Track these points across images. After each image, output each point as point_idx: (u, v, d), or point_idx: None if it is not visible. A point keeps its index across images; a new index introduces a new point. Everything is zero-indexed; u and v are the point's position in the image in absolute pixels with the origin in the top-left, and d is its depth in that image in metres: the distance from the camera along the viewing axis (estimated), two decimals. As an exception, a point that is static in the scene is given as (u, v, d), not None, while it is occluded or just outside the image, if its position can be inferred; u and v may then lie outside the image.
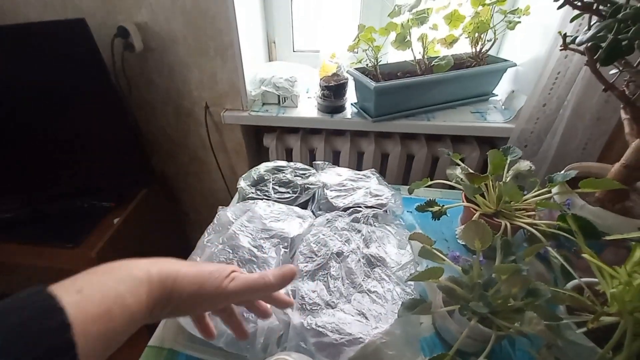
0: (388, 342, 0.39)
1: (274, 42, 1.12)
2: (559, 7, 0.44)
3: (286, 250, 0.52)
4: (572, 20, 0.49)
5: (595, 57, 0.41)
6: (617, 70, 0.47)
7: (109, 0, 0.87)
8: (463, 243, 0.65)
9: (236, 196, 0.70)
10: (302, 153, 1.04)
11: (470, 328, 0.41)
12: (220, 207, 0.60)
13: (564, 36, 0.49)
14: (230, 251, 0.50)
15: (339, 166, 1.05)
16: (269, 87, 0.92)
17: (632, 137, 0.49)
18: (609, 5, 0.41)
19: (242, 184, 0.66)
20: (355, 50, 0.87)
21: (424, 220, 0.68)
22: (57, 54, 0.80)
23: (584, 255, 0.39)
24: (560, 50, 0.50)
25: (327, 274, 0.48)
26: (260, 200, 0.61)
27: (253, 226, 0.55)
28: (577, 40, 0.44)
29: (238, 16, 0.84)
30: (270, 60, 1.14)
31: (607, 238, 0.40)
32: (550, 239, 0.52)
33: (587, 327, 0.37)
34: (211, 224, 0.57)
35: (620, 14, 0.37)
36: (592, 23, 0.44)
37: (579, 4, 0.43)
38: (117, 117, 0.93)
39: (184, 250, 0.51)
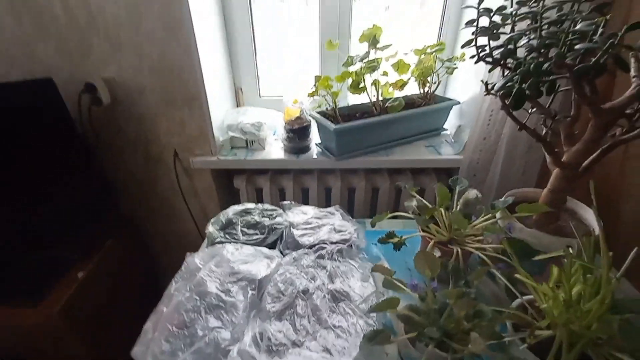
0: (352, 376, 0.40)
1: (241, 89, 1.18)
2: (475, 62, 0.53)
3: (254, 292, 0.53)
4: (489, 72, 0.57)
5: (507, 103, 0.49)
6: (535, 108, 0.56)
7: (76, 58, 0.91)
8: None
9: (205, 241, 0.71)
10: (272, 193, 1.07)
11: (428, 353, 0.43)
12: (188, 253, 0.61)
13: (486, 84, 0.58)
14: (198, 298, 0.51)
15: (309, 203, 1.10)
16: (236, 132, 0.97)
17: (552, 165, 0.57)
18: (513, 60, 0.50)
19: (211, 228, 0.68)
20: (316, 96, 0.95)
21: (389, 251, 0.72)
22: (24, 110, 0.82)
23: (516, 275, 0.43)
24: (485, 95, 0.58)
25: (293, 312, 0.50)
26: (228, 244, 0.63)
27: (221, 270, 0.56)
28: (495, 88, 0.52)
29: (204, 68, 0.90)
30: (238, 106, 1.20)
31: (535, 258, 0.45)
32: (497, 261, 0.57)
33: (526, 342, 0.41)
34: (179, 271, 0.58)
35: (519, 70, 0.45)
36: (505, 74, 0.53)
37: (490, 60, 0.51)
38: (83, 166, 0.93)
39: (155, 298, 0.51)
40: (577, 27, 0.40)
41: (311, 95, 0.92)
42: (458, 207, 0.68)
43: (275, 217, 0.72)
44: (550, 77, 0.41)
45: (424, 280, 0.67)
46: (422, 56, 0.98)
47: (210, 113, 0.95)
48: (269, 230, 0.69)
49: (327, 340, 0.45)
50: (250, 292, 0.53)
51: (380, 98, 1.00)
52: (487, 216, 0.63)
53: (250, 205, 0.75)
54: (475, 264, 0.68)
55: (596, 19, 0.42)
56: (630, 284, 0.65)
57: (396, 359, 0.51)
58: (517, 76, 0.46)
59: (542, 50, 0.42)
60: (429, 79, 1.02)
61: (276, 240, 0.69)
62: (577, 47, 0.38)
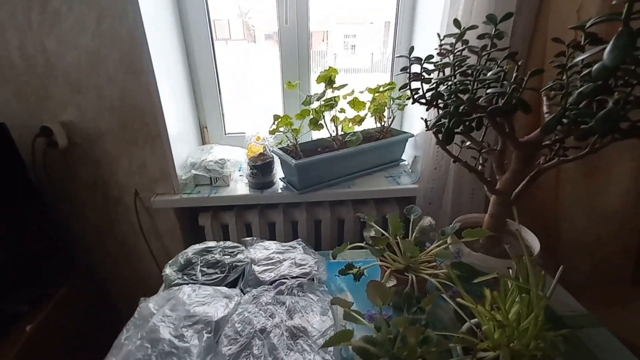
0: (305, 416, 0.40)
1: (206, 128, 1.21)
2: (412, 103, 0.59)
3: (210, 335, 0.52)
4: (427, 110, 0.63)
5: (440, 139, 0.54)
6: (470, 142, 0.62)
7: (33, 102, 0.90)
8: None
9: (162, 285, 0.69)
10: (237, 228, 1.06)
11: (382, 385, 0.44)
12: (142, 298, 0.59)
13: (425, 121, 0.64)
14: (149, 346, 0.49)
15: (275, 237, 1.10)
16: (200, 170, 0.97)
17: (489, 192, 0.62)
18: (442, 101, 0.56)
19: (168, 270, 0.66)
20: (278, 132, 0.99)
21: (352, 283, 0.73)
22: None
23: (458, 299, 0.46)
24: (426, 131, 0.64)
25: (250, 354, 0.49)
26: (185, 286, 0.61)
27: (176, 314, 0.54)
28: (429, 126, 0.58)
29: (165, 108, 0.92)
30: (203, 143, 1.22)
31: (475, 281, 0.48)
32: (451, 287, 0.59)
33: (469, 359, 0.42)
34: (131, 318, 0.56)
35: (445, 111, 0.50)
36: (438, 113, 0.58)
37: (424, 101, 0.57)
38: (34, 213, 0.89)
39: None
40: (488, 74, 0.46)
41: (272, 132, 0.95)
42: (414, 235, 0.71)
43: (236, 255, 0.72)
44: (471, 117, 0.47)
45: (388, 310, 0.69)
46: (376, 94, 1.05)
47: (172, 152, 0.95)
48: (230, 268, 0.68)
49: (282, 380, 0.45)
50: (205, 335, 0.52)
51: (341, 133, 1.06)
52: (439, 242, 0.67)
53: (211, 244, 0.74)
54: (432, 290, 0.71)
55: (505, 67, 0.48)
56: (577, 301, 0.69)
57: (357, 395, 0.51)
58: (446, 116, 0.52)
59: (459, 95, 0.48)
60: (384, 114, 1.10)
61: (237, 278, 0.68)
62: (488, 91, 0.44)
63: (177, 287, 0.61)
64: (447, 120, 0.51)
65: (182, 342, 0.50)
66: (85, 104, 0.92)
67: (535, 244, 0.63)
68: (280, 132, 0.98)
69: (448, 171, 0.89)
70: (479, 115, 0.47)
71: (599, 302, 0.79)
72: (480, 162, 0.60)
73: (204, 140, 1.22)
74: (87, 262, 1.14)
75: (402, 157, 1.16)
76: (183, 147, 1.05)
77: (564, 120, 0.43)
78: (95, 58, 0.87)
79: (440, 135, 0.52)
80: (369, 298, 0.49)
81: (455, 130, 0.51)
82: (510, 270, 0.52)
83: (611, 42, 0.38)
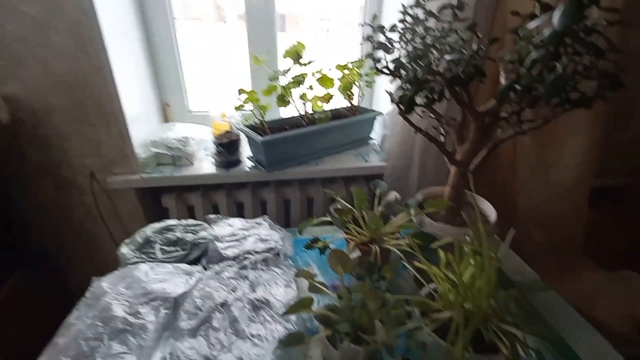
0: (264, 383, 0.40)
1: (168, 105, 1.15)
2: (375, 74, 0.58)
3: (168, 311, 0.50)
4: (391, 82, 0.63)
5: (402, 109, 0.54)
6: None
7: (-34, 73, 0.81)
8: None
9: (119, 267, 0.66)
10: (204, 209, 1.03)
11: (341, 349, 0.44)
12: (94, 277, 0.56)
13: (390, 93, 0.63)
14: (101, 324, 0.46)
15: (244, 217, 1.08)
16: (161, 148, 0.93)
17: (450, 164, 0.63)
18: (405, 71, 0.56)
19: (124, 249, 0.63)
20: (244, 110, 0.95)
21: (319, 258, 0.73)
22: None
23: (416, 263, 0.47)
24: (391, 104, 0.64)
25: (209, 327, 0.48)
26: (142, 264, 0.59)
27: (132, 292, 0.52)
28: (393, 96, 0.58)
29: (120, 84, 0.86)
30: (166, 122, 1.16)
31: (432, 246, 0.49)
32: (413, 256, 0.61)
33: (426, 324, 0.44)
34: (82, 298, 0.52)
35: (407, 81, 0.50)
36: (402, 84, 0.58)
37: (387, 71, 0.57)
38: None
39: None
40: (447, 40, 0.46)
41: (238, 108, 0.92)
42: (379, 209, 0.72)
43: (199, 232, 0.69)
44: (430, 84, 0.47)
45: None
46: (345, 71, 1.04)
47: (129, 130, 0.90)
48: (192, 246, 0.66)
49: (242, 350, 0.44)
50: (163, 311, 0.50)
51: (310, 111, 1.04)
52: (402, 214, 0.68)
53: (172, 222, 0.71)
54: (396, 260, 0.72)
55: (464, 37, 0.48)
56: (532, 268, 0.73)
57: (319, 362, 0.51)
58: (407, 84, 0.51)
59: (418, 61, 0.48)
60: (353, 92, 1.09)
61: (200, 256, 0.66)
62: (446, 56, 0.44)
63: (133, 266, 0.58)
64: (409, 90, 0.51)
65: (137, 319, 0.48)
66: (29, 77, 0.84)
67: (491, 213, 0.66)
68: (247, 110, 0.95)
69: (414, 148, 0.90)
70: (438, 82, 0.47)
71: (552, 272, 0.84)
72: (442, 132, 0.61)
73: (166, 119, 1.16)
74: (41, 249, 1.07)
75: (372, 136, 1.16)
76: (142, 125, 0.99)
77: (517, 87, 0.44)
78: (40, 28, 0.79)
79: (401, 106, 0.52)
80: (330, 267, 0.49)
81: (418, 103, 0.51)
82: (468, 238, 0.54)
83: (562, 8, 0.39)
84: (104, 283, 0.54)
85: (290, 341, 0.42)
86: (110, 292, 0.51)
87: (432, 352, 0.48)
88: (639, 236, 1.02)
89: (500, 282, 0.46)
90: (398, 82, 0.55)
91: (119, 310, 0.48)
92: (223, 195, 1.04)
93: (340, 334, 0.45)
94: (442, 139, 0.62)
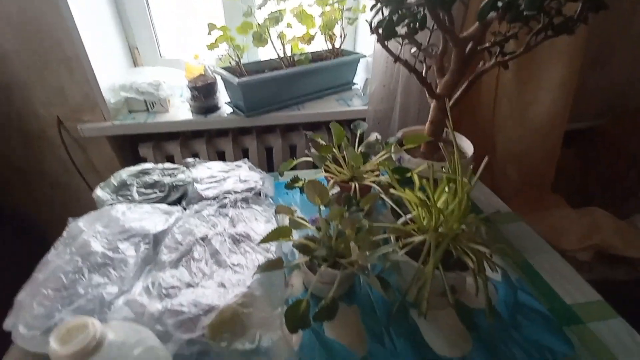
0: (245, 302, 0.41)
1: (137, 49, 1.07)
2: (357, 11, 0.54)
3: (148, 246, 0.51)
4: (371, 9, 0.59)
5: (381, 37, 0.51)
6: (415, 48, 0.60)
7: None
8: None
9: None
10: (183, 158, 1.00)
11: (320, 273, 0.46)
12: (70, 218, 0.55)
13: (370, 23, 0.60)
14: (79, 259, 0.46)
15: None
16: (131, 92, 0.88)
17: (429, 99, 0.62)
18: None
19: (99, 192, 0.62)
20: (218, 52, 0.89)
21: (301, 199, 0.73)
22: None
23: (391, 190, 0.48)
24: (371, 35, 0.60)
25: (189, 259, 0.49)
26: (119, 204, 0.58)
27: (109, 230, 0.52)
28: (373, 24, 0.54)
29: (80, 25, 0.78)
30: (136, 67, 1.08)
31: (408, 175, 0.50)
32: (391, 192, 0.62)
33: (399, 246, 0.45)
34: (59, 238, 0.52)
35: (386, 3, 0.47)
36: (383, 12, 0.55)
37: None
38: None
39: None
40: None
41: (210, 47, 0.86)
42: (360, 149, 0.71)
43: (177, 175, 0.68)
44: (408, 5, 0.44)
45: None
46: (326, 7, 0.97)
47: (95, 75, 0.84)
48: (170, 188, 0.65)
49: (223, 277, 0.46)
50: (143, 246, 0.50)
51: (289, 54, 0.99)
52: (382, 153, 0.68)
53: (148, 165, 0.69)
54: (373, 194, 0.74)
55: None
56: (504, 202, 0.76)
57: (300, 289, 0.54)
58: (387, 6, 0.48)
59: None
60: (335, 32, 1.03)
61: (179, 198, 0.66)
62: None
63: (110, 206, 0.57)
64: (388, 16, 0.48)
65: (117, 254, 0.48)
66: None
67: (469, 149, 0.66)
68: (222, 50, 0.89)
69: (397, 88, 0.88)
70: (417, 4, 0.45)
71: (523, 207, 0.88)
72: (421, 59, 0.59)
73: (135, 64, 1.08)
74: (15, 206, 1.04)
75: (354, 81, 1.12)
76: (109, 70, 0.92)
77: (499, 4, 0.42)
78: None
79: (381, 32, 0.49)
80: (308, 198, 0.49)
81: (399, 33, 0.48)
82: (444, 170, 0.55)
83: None
84: (81, 222, 0.53)
85: (269, 266, 0.43)
86: (88, 230, 0.51)
87: (405, 272, 0.51)
88: (606, 175, 1.07)
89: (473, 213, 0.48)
90: (378, 8, 0.52)
91: (97, 247, 0.48)
92: (203, 143, 1.01)
93: (318, 259, 0.47)
94: (423, 72, 0.60)
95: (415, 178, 0.46)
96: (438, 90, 0.59)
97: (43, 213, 1.08)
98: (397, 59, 0.56)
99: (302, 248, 0.48)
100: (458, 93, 0.59)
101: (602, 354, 0.46)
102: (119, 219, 0.53)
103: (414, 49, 0.58)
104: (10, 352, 0.44)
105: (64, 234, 0.52)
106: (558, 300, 0.54)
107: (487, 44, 0.56)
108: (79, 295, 0.42)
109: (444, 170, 0.53)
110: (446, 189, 0.48)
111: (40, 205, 1.06)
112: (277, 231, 0.45)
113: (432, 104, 0.62)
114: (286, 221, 0.52)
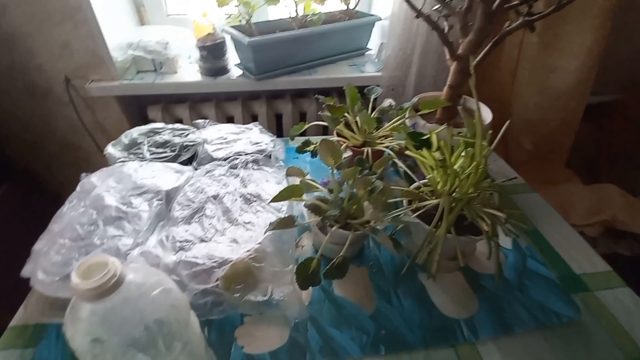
0: (257, 258, 0.42)
1: (143, 6, 1.02)
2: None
3: (161, 202, 0.51)
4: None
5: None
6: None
7: None
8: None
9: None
10: (192, 122, 0.99)
11: (332, 234, 0.46)
12: (83, 174, 0.55)
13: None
14: (94, 212, 0.47)
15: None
16: (138, 51, 0.85)
17: (450, 61, 0.59)
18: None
19: (111, 149, 0.61)
20: (227, 5, 0.85)
21: (311, 164, 0.73)
22: None
23: (407, 152, 0.47)
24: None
25: (202, 215, 0.49)
26: (130, 162, 0.58)
27: (122, 186, 0.52)
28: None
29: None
30: (142, 25, 1.05)
31: (423, 138, 0.48)
32: (404, 157, 0.61)
33: (413, 207, 0.45)
34: (73, 193, 0.52)
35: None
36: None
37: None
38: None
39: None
40: None
41: (220, 4, 0.82)
42: (374, 115, 0.70)
43: (187, 135, 0.67)
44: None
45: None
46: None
47: (101, 29, 0.81)
48: (181, 148, 0.65)
49: (235, 234, 0.46)
50: (156, 202, 0.50)
51: (301, 14, 0.94)
52: (397, 118, 0.66)
53: (159, 125, 0.69)
54: (387, 164, 0.73)
55: None
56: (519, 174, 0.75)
57: (310, 250, 0.54)
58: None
59: None
60: (350, -8, 0.98)
61: (190, 158, 0.65)
62: None
63: (121, 163, 0.57)
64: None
65: (131, 208, 0.48)
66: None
67: (487, 115, 0.64)
68: (232, 8, 0.85)
69: (413, 53, 0.84)
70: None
71: (535, 179, 0.87)
72: (445, 15, 0.56)
73: (142, 22, 1.04)
74: (26, 163, 1.05)
75: (369, 47, 1.08)
76: (116, 27, 0.89)
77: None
78: None
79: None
80: (320, 158, 0.49)
81: None
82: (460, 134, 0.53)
83: None
84: (94, 178, 0.53)
85: (281, 224, 0.43)
86: (101, 185, 0.51)
87: (415, 234, 0.51)
88: (620, 152, 1.04)
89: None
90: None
91: (111, 200, 0.48)
92: (212, 107, 0.99)
93: (329, 220, 0.47)
94: (445, 29, 0.57)
95: (434, 139, 0.45)
96: (460, 50, 0.56)
97: (53, 172, 1.09)
98: (419, 13, 0.53)
99: (314, 208, 0.48)
100: (481, 55, 0.56)
101: (606, 319, 0.46)
102: (131, 175, 0.54)
103: (436, 5, 0.55)
104: (29, 298, 0.45)
105: (78, 188, 0.53)
106: (567, 269, 0.54)
107: (515, 1, 0.53)
108: (95, 245, 0.43)
109: (460, 135, 0.52)
110: (463, 153, 0.47)
111: (50, 164, 1.07)
112: (289, 190, 0.45)
113: (452, 66, 0.59)
114: (296, 183, 0.52)
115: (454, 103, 0.62)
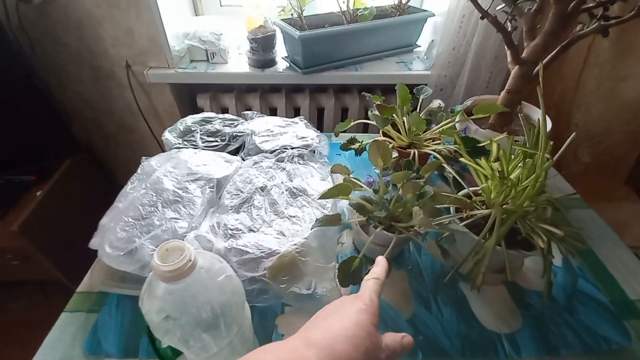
0: (303, 252, 0.43)
1: (199, -4, 1.06)
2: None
3: (212, 190, 0.54)
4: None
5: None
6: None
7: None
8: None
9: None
10: (238, 112, 1.03)
11: (375, 234, 0.46)
12: (143, 157, 0.59)
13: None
14: (154, 194, 0.50)
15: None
16: (194, 41, 0.89)
17: (512, 64, 0.57)
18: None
19: (168, 135, 0.65)
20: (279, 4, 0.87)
21: (353, 161, 0.73)
22: None
23: (461, 159, 0.45)
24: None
25: (250, 205, 0.51)
26: (185, 149, 0.61)
27: (178, 171, 0.55)
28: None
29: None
30: (196, 15, 1.09)
31: (479, 145, 0.47)
32: (451, 162, 0.59)
33: (463, 216, 0.44)
34: (135, 174, 0.56)
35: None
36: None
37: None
38: (23, 80, 0.84)
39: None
40: None
41: (273, -4, 0.83)
42: (422, 116, 0.68)
43: (236, 126, 0.70)
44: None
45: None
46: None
47: (161, 17, 0.85)
48: (230, 138, 0.67)
49: (282, 226, 0.48)
50: (208, 189, 0.53)
51: (352, 7, 0.93)
52: (447, 121, 0.64)
53: (210, 115, 0.72)
54: (434, 162, 0.71)
55: None
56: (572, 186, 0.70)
57: (350, 247, 0.55)
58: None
59: None
60: (403, -13, 0.95)
61: (238, 148, 0.68)
62: None
63: (178, 150, 0.60)
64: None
65: (186, 193, 0.51)
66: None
67: (548, 123, 0.61)
68: (283, 1, 0.86)
69: (468, 52, 0.81)
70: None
71: (590, 194, 0.81)
72: (512, 17, 0.53)
73: (196, 12, 1.08)
74: (88, 142, 1.14)
75: (418, 43, 1.05)
76: (174, 16, 0.93)
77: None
78: None
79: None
80: (369, 159, 0.49)
81: None
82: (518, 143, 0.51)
83: None
84: (153, 162, 0.57)
85: (327, 221, 0.44)
86: (160, 169, 0.55)
87: (461, 243, 0.50)
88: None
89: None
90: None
91: (169, 184, 0.52)
92: (257, 98, 1.02)
93: (374, 220, 0.47)
94: (509, 28, 0.54)
95: (494, 148, 0.43)
96: (524, 54, 0.53)
97: (110, 151, 1.17)
98: (484, 14, 0.50)
99: (359, 208, 0.49)
100: (547, 59, 0.53)
101: (664, 353, 0.43)
102: (186, 161, 0.57)
103: (502, 5, 0.52)
104: (94, 267, 0.50)
105: (139, 170, 0.57)
106: (620, 293, 0.51)
107: (590, 4, 0.49)
108: (155, 225, 0.46)
109: (518, 143, 0.50)
110: (520, 164, 0.45)
111: (108, 143, 1.15)
112: (338, 188, 0.45)
113: (514, 70, 0.56)
114: (340, 181, 0.53)
115: (512, 109, 0.60)
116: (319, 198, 0.46)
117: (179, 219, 0.48)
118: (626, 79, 0.68)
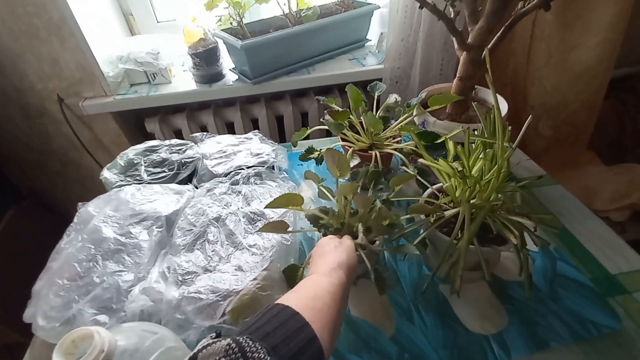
0: (264, 286, 0.39)
1: (132, 15, 0.99)
2: None
3: (160, 229, 0.48)
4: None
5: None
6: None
7: None
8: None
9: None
10: (191, 131, 0.96)
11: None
12: (79, 203, 0.53)
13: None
14: (92, 246, 0.45)
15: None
16: (129, 64, 0.82)
17: (459, 51, 0.54)
18: None
19: (106, 174, 0.59)
20: (216, 7, 0.81)
21: (318, 170, 0.69)
22: None
23: (420, 160, 0.43)
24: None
25: (204, 241, 0.46)
26: (127, 186, 0.55)
27: (120, 214, 0.49)
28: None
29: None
30: (132, 35, 1.01)
31: (438, 141, 0.44)
32: (415, 158, 0.56)
33: (430, 221, 0.41)
34: (70, 224, 0.50)
35: None
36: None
37: None
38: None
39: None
40: None
41: (209, 7, 0.78)
42: (379, 113, 0.65)
43: (185, 151, 0.64)
44: None
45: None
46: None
47: (88, 43, 0.78)
48: (179, 165, 0.62)
49: (240, 260, 0.43)
50: (156, 230, 0.48)
51: (295, 9, 0.89)
52: (404, 116, 0.61)
53: (155, 142, 0.66)
54: (397, 166, 0.69)
55: None
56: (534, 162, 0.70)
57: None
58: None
59: None
60: (344, -18, 0.92)
61: (190, 175, 0.63)
62: None
63: (118, 189, 0.54)
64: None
65: (130, 239, 0.46)
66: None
67: (503, 106, 0.59)
68: (221, 10, 0.81)
69: (417, 41, 0.79)
70: None
71: (555, 166, 0.81)
72: (451, 2, 0.50)
73: (132, 32, 1.01)
74: (31, 185, 1.04)
75: (368, 37, 1.02)
76: (104, 39, 0.86)
77: None
78: None
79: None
80: (328, 169, 0.45)
81: None
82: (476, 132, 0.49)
83: None
84: (90, 207, 0.51)
85: (270, 227, 0.41)
86: (98, 215, 0.49)
87: (437, 246, 0.47)
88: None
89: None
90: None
91: (109, 232, 0.46)
92: (210, 115, 0.96)
93: (327, 231, 0.44)
94: (451, 15, 0.52)
95: (450, 146, 0.40)
96: (470, 39, 0.51)
97: (59, 190, 1.08)
98: (422, 3, 0.48)
99: (313, 219, 0.45)
100: (493, 42, 0.51)
101: (653, 327, 0.42)
102: (128, 201, 0.51)
103: (441, -9, 0.50)
104: (34, 343, 0.44)
105: (75, 219, 0.51)
106: (601, 269, 0.50)
107: (529, -20, 0.47)
108: (94, 284, 0.41)
109: (476, 133, 0.47)
110: (481, 155, 0.43)
111: (55, 182, 1.05)
112: (286, 197, 0.41)
113: (462, 56, 0.54)
114: (306, 195, 0.49)
115: (466, 96, 0.58)
116: (265, 207, 0.41)
117: (122, 271, 0.42)
118: (573, 49, 0.68)
